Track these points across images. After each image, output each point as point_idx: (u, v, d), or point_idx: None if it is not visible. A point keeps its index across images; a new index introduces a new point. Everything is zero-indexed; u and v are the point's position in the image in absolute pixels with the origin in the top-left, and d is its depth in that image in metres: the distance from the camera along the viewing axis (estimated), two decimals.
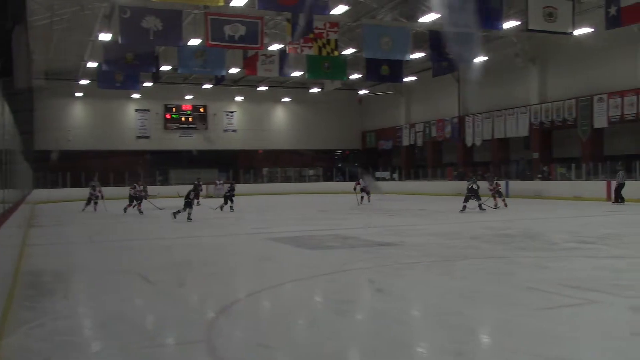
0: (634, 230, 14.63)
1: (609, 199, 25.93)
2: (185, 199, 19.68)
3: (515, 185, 32.90)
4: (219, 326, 6.20)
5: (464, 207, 21.30)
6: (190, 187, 20.80)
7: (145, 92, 42.77)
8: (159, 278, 9.06)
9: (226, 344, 5.66)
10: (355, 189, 27.21)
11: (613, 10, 21.50)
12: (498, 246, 11.98)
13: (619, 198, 23.64)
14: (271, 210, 25.71)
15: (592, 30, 26.34)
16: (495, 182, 23.70)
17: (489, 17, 21.12)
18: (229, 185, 25.24)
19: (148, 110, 46.64)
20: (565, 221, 17.65)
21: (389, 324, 6.13)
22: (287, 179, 48.67)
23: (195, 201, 21.41)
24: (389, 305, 7.04)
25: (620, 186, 23.78)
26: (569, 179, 30.84)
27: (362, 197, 27.12)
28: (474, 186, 21.67)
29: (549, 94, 34.70)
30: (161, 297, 7.79)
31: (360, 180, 27.35)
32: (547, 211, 21.46)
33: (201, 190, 25.40)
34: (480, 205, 21.38)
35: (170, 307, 7.04)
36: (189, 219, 19.04)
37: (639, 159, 27.77)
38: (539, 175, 32.35)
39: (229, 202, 24.29)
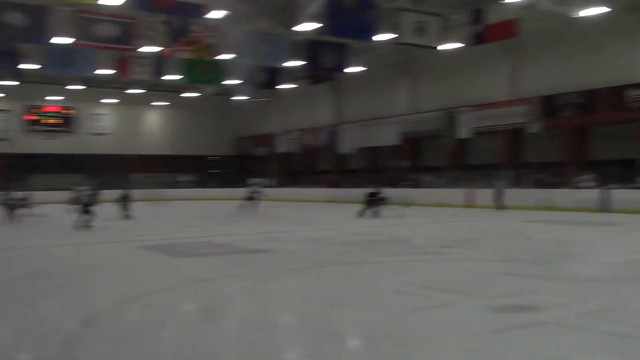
0: (490, 235, 15.60)
1: (468, 205, 27.59)
2: (84, 207, 18.60)
3: (386, 192, 34.03)
4: (80, 340, 5.93)
5: (363, 212, 21.85)
6: (78, 194, 19.42)
7: (5, 92, 40.07)
8: (13, 289, 8.51)
9: (90, 358, 5.41)
10: (251, 197, 26.21)
11: (478, 28, 22.93)
12: (367, 251, 12.35)
13: (500, 205, 24.61)
14: (144, 217, 24.92)
15: (459, 45, 27.89)
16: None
17: (365, 29, 21.78)
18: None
19: (8, 110, 43.70)
20: (430, 227, 18.51)
21: (260, 332, 6.13)
22: (160, 185, 47.37)
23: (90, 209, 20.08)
24: (260, 313, 7.04)
25: (499, 194, 24.79)
26: (435, 187, 32.36)
27: (251, 203, 26.19)
28: (376, 194, 22.29)
29: (419, 104, 36.31)
30: (16, 310, 7.32)
31: (251, 187, 26.68)
32: (414, 217, 22.38)
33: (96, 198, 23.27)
34: (376, 212, 21.89)
35: (26, 321, 6.63)
36: (87, 226, 18.16)
37: (496, 168, 29.68)
38: (407, 183, 33.68)
39: (122, 209, 22.85)
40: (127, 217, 22.71)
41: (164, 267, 10.82)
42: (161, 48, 25.87)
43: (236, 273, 9.73)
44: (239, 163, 51.88)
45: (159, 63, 28.27)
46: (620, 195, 23.39)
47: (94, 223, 18.24)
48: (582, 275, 9.18)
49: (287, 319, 7.05)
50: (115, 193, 24.22)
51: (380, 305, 7.27)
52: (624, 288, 8.09)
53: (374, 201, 22.29)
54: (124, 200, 23.27)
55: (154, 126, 50.17)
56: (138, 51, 25.86)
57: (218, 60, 28.69)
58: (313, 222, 21.10)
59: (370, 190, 22.75)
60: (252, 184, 27.04)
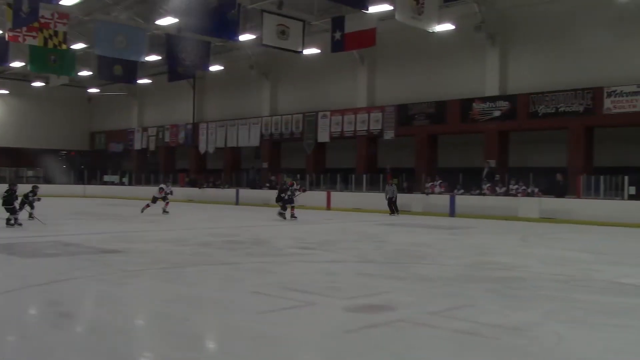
0: (347, 237, 15.99)
1: (329, 207, 28.20)
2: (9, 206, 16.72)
3: (246, 193, 34.00)
4: None
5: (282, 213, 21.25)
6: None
7: None
8: None
9: None
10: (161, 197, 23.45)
11: (338, 35, 23.45)
12: (227, 252, 12.18)
13: (394, 210, 24.97)
14: None
15: (320, 51, 28.47)
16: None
17: (226, 28, 21.53)
18: None
19: None
20: (290, 228, 18.65)
21: (111, 336, 5.79)
22: (1, 180, 43.94)
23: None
24: (111, 316, 6.66)
25: (391, 199, 25.10)
26: None
27: (166, 204, 23.51)
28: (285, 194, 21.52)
29: (280, 107, 36.59)
30: None
31: (163, 186, 23.95)
32: (274, 218, 22.45)
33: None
34: (281, 214, 21.26)
35: None
36: (17, 223, 16.65)
37: (354, 172, 30.61)
38: (267, 185, 33.80)
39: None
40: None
41: (8, 268, 9.97)
42: (5, 32, 24.04)
43: (86, 275, 9.17)
44: (92, 159, 49.43)
45: (2, 48, 26.21)
46: (466, 200, 24.98)
47: None
48: (432, 275, 9.62)
49: (141, 322, 6.73)
50: None
51: (237, 306, 7.16)
52: (471, 288, 8.58)
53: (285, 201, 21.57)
54: None
55: None
56: None
57: (69, 49, 27.15)
58: (170, 221, 20.50)
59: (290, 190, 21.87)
60: (162, 184, 24.54)
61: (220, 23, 21.17)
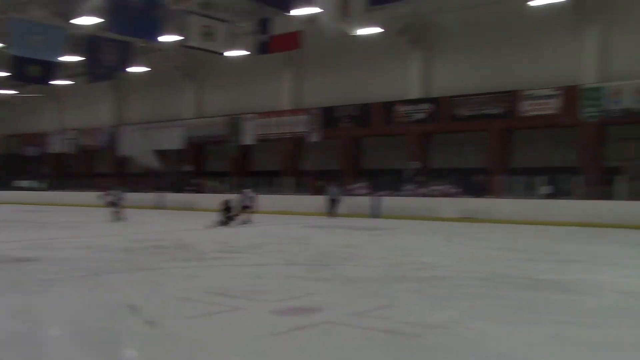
0: (273, 240, 15.94)
1: (256, 211, 28.03)
2: None
3: (169, 197, 33.35)
4: None
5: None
6: None
7: None
8: None
9: None
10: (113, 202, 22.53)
11: (264, 38, 23.39)
12: (150, 258, 11.90)
13: (332, 212, 24.82)
14: None
15: (245, 53, 28.25)
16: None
17: (149, 28, 21.07)
18: None
19: None
20: (215, 232, 18.42)
21: (24, 349, 5.54)
22: None
23: None
24: (25, 327, 6.38)
25: (333, 201, 24.93)
26: (219, 192, 32.33)
27: (116, 212, 22.51)
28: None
29: (204, 109, 36.14)
30: None
31: (112, 192, 22.88)
32: (198, 223, 22.14)
33: None
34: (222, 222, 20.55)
35: None
36: None
37: (278, 175, 30.58)
38: (191, 188, 33.32)
39: None
40: None
41: None
42: None
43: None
44: (6, 163, 47.27)
45: None
46: (389, 202, 25.40)
47: None
48: (357, 276, 9.72)
49: (58, 332, 6.47)
50: None
51: (162, 312, 7.00)
52: (395, 287, 8.72)
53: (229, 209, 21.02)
54: None
55: None
56: None
57: None
58: (89, 228, 19.86)
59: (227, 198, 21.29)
60: (115, 190, 23.30)
61: (143, 23, 20.70)
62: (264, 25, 23.39)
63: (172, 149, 36.59)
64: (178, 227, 20.35)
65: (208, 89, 36.39)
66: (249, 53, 27.53)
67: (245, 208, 22.38)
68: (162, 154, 37.87)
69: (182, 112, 36.66)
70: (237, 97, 34.41)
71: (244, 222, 21.01)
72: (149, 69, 34.24)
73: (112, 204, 22.51)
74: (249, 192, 22.25)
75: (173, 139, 36.08)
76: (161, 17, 21.28)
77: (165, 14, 21.92)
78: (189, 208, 31.06)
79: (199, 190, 33.24)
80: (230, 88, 34.93)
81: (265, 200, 28.88)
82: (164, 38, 23.85)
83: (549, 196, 22.55)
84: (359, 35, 24.56)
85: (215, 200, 30.49)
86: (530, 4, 21.68)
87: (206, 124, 34.94)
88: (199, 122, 35.40)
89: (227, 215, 20.72)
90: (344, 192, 25.79)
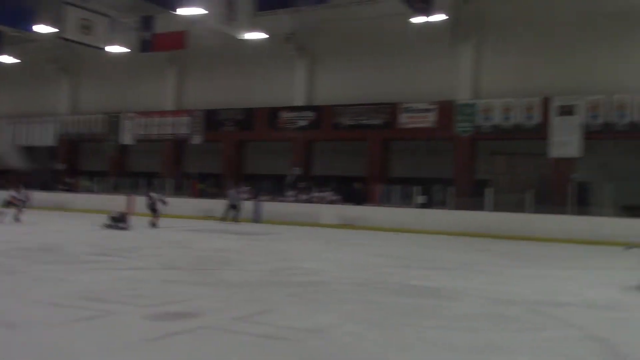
0: (151, 243, 15.49)
1: (131, 212, 27.09)
2: None
3: (38, 196, 31.45)
4: None
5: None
6: None
7: None
8: None
9: None
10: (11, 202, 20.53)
11: (147, 35, 22.74)
12: (15, 261, 11.14)
13: (232, 217, 23.83)
14: None
15: (126, 50, 27.31)
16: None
17: (20, 17, 19.90)
18: None
19: None
20: (87, 234, 17.63)
21: None
22: None
23: None
24: None
25: (233, 206, 23.92)
26: (94, 192, 31.02)
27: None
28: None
29: (81, 105, 34.54)
30: None
31: (15, 194, 20.75)
32: (70, 224, 21.11)
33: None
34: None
35: None
36: None
37: (158, 177, 29.76)
38: (63, 187, 31.70)
39: None
40: None
41: None
42: None
43: None
44: None
45: None
46: (271, 207, 25.43)
47: None
48: (237, 281, 9.64)
49: None
50: None
51: (25, 318, 6.57)
52: (274, 292, 8.73)
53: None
54: None
55: None
56: None
57: None
58: None
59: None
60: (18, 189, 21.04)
61: (14, 11, 19.52)
62: (147, 22, 22.78)
63: (43, 146, 34.62)
64: (47, 228, 19.25)
65: (85, 85, 34.81)
66: (130, 50, 26.67)
67: (233, 207, 22.43)
68: (32, 150, 35.74)
69: (56, 107, 34.83)
70: (116, 95, 33.15)
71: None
72: (20, 60, 32.30)
73: (14, 205, 20.72)
74: (237, 190, 21.40)
75: (44, 135, 34.18)
76: (36, 6, 20.17)
77: (40, 3, 20.80)
78: (61, 208, 29.50)
79: (72, 189, 31.66)
80: (110, 85, 33.60)
81: (143, 203, 28.04)
82: (38, 28, 22.61)
83: (424, 206, 23.50)
84: (246, 40, 24.48)
85: (90, 200, 29.45)
86: (411, 21, 22.55)
87: (82, 121, 33.40)
88: (74, 119, 33.76)
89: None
90: (244, 197, 25.28)
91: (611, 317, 7.91)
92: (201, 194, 28.17)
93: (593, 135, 21.85)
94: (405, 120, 25.29)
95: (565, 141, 22.14)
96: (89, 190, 31.37)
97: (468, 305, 8.48)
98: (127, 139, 31.64)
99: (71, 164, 34.29)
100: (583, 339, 6.73)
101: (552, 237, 20.05)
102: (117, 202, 28.26)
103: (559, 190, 21.71)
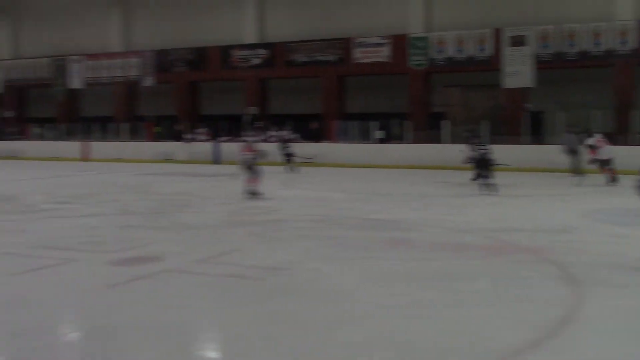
0: (108, 189, 15.30)
1: (84, 158, 26.71)
2: None
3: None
4: None
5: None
6: None
7: None
8: None
9: None
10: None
11: None
12: None
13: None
14: None
15: None
16: None
17: None
18: None
19: None
20: (41, 182, 17.30)
21: None
22: None
23: None
24: None
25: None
26: (45, 139, 30.27)
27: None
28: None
29: (24, 49, 33.22)
30: None
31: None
32: (22, 173, 20.64)
33: None
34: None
35: None
36: None
37: (112, 121, 29.15)
38: (14, 135, 30.83)
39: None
40: None
41: None
42: None
43: None
44: None
45: None
46: (229, 147, 25.23)
47: None
48: (197, 223, 9.66)
49: None
50: None
51: None
52: (235, 233, 8.81)
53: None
54: None
55: None
56: None
57: None
58: None
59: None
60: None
61: None
62: None
63: None
64: (1, 177, 18.81)
65: (27, 27, 33.34)
66: None
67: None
68: None
69: None
70: (61, 37, 31.87)
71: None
72: None
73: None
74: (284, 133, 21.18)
75: None
76: None
77: None
78: (12, 157, 28.76)
79: (23, 137, 30.81)
80: (53, 27, 32.25)
81: (98, 148, 27.56)
82: None
83: (382, 141, 23.66)
84: None
85: (42, 148, 28.72)
86: None
87: (27, 66, 32.14)
88: (17, 64, 32.50)
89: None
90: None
91: (565, 240, 8.21)
92: (157, 137, 27.76)
93: (544, 65, 22.13)
94: (359, 55, 25.11)
95: (518, 71, 22.39)
96: (42, 138, 30.58)
97: (426, 235, 8.71)
98: (75, 83, 30.71)
99: (19, 111, 33.24)
100: (539, 262, 7.01)
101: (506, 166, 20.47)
102: (68, 148, 27.82)
103: (512, 121, 22.10)
